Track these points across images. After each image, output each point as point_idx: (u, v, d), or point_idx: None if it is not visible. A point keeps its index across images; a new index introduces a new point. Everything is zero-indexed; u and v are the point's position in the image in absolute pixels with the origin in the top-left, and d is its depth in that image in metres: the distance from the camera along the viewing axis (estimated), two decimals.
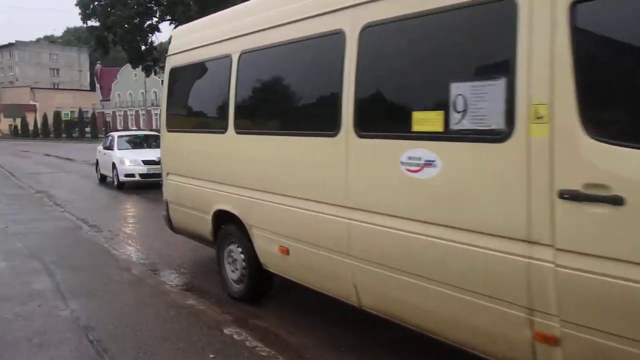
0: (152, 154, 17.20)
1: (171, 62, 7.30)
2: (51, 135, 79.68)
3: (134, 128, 77.61)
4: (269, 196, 5.33)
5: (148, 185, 16.89)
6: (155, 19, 31.69)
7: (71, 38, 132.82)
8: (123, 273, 7.41)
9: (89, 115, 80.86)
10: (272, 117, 5.51)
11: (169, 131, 7.32)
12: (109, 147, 18.54)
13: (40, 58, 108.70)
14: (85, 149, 46.89)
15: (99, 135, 71.20)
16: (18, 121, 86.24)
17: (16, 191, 16.96)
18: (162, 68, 34.79)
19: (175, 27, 32.22)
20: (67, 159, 33.82)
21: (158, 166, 16.45)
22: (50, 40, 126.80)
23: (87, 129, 76.10)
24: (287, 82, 5.33)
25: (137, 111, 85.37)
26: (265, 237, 5.50)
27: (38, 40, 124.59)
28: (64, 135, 77.44)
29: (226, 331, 5.26)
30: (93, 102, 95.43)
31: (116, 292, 6.54)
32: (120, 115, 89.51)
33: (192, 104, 7.17)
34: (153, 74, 35.61)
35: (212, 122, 6.47)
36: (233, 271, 6.36)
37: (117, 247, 9.14)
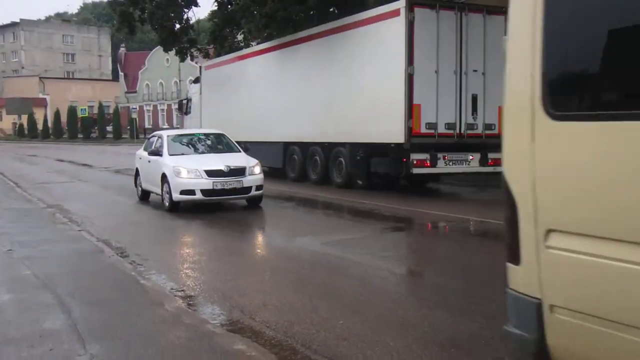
0: (217, 161, 16.00)
1: None
2: (64, 136, 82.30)
3: (166, 126, 79.27)
4: None
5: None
6: None
7: (89, 16, 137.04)
8: (155, 309, 7.49)
9: (111, 111, 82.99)
10: None
11: (564, 118, 3.57)
12: (156, 152, 16.95)
13: (51, 41, 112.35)
14: (107, 153, 48.19)
15: (123, 136, 73.06)
16: (24, 118, 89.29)
17: (22, 205, 17.51)
18: (200, 50, 35.63)
19: (216, 0, 32.84)
20: (85, 165, 34.81)
21: (228, 179, 15.49)
22: (63, 18, 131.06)
23: (109, 128, 77.97)
24: None
25: (169, 105, 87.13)
26: None
27: (48, 19, 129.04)
28: (80, 136, 79.81)
29: None
30: (116, 95, 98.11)
31: (146, 334, 6.60)
32: (149, 110, 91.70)
33: None
34: (189, 58, 36.16)
35: None
36: None
37: (146, 275, 9.27)
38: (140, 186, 18.30)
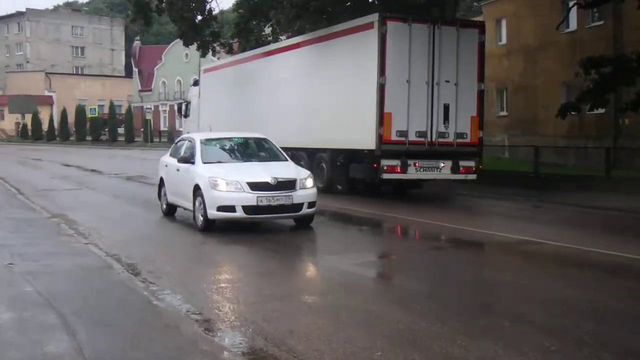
0: (261, 171, 14.97)
1: None
2: (72, 138, 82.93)
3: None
4: None
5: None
6: None
7: (101, 5, 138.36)
8: (168, 332, 7.51)
9: (123, 111, 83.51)
10: None
11: None
12: (187, 159, 15.93)
13: (58, 32, 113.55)
14: (118, 157, 48.57)
15: (136, 139, 73.53)
16: (28, 118, 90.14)
17: (25, 214, 17.67)
18: (224, 45, 35.81)
19: None
20: (93, 170, 35.12)
21: (275, 194, 14.44)
22: (72, 8, 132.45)
23: (120, 130, 78.47)
24: None
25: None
26: None
27: (56, 8, 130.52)
28: (88, 138, 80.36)
29: None
30: (129, 93, 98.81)
31: None
32: (164, 110, 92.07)
33: None
34: (211, 53, 36.31)
35: None
36: None
37: (160, 295, 9.31)
38: (166, 199, 17.40)
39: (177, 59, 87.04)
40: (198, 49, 34.18)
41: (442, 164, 20.36)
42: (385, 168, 19.68)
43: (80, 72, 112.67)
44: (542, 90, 35.21)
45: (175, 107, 41.00)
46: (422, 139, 20.05)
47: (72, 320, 7.92)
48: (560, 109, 25.15)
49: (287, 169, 15.45)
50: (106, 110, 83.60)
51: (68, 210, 18.44)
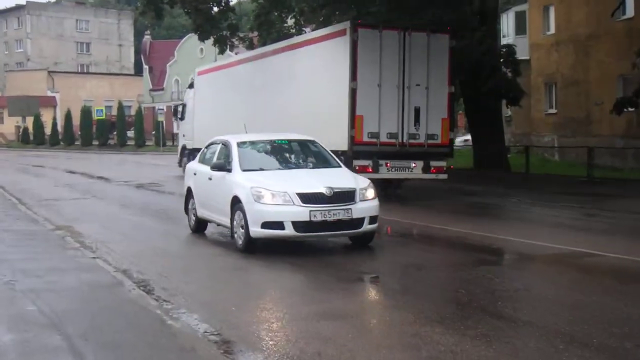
0: (313, 180, 14.08)
1: None
2: (77, 142, 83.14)
3: None
4: None
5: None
6: None
7: None
8: (184, 355, 7.53)
9: (133, 112, 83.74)
10: None
11: None
12: (222, 166, 14.97)
13: (62, 27, 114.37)
14: (127, 163, 48.84)
15: (147, 143, 73.77)
16: (29, 121, 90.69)
17: (26, 226, 17.79)
18: (243, 39, 35.86)
19: None
20: (100, 177, 35.29)
21: (331, 207, 13.50)
22: (76, 0, 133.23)
23: (130, 133, 78.69)
24: None
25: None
26: None
27: (59, 1, 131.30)
28: (95, 142, 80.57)
29: None
30: (139, 93, 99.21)
31: None
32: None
33: None
34: (228, 49, 36.34)
35: None
36: None
37: (175, 314, 9.32)
38: (195, 213, 16.48)
39: (190, 55, 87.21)
40: (215, 44, 34.25)
41: (413, 164, 22.59)
42: (357, 168, 20.90)
43: (85, 71, 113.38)
44: (596, 85, 35.01)
45: (168, 109, 41.83)
46: (393, 140, 22.36)
47: (79, 342, 7.96)
48: (616, 105, 25.01)
49: (343, 177, 14.40)
50: (114, 111, 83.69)
51: (73, 222, 18.57)
